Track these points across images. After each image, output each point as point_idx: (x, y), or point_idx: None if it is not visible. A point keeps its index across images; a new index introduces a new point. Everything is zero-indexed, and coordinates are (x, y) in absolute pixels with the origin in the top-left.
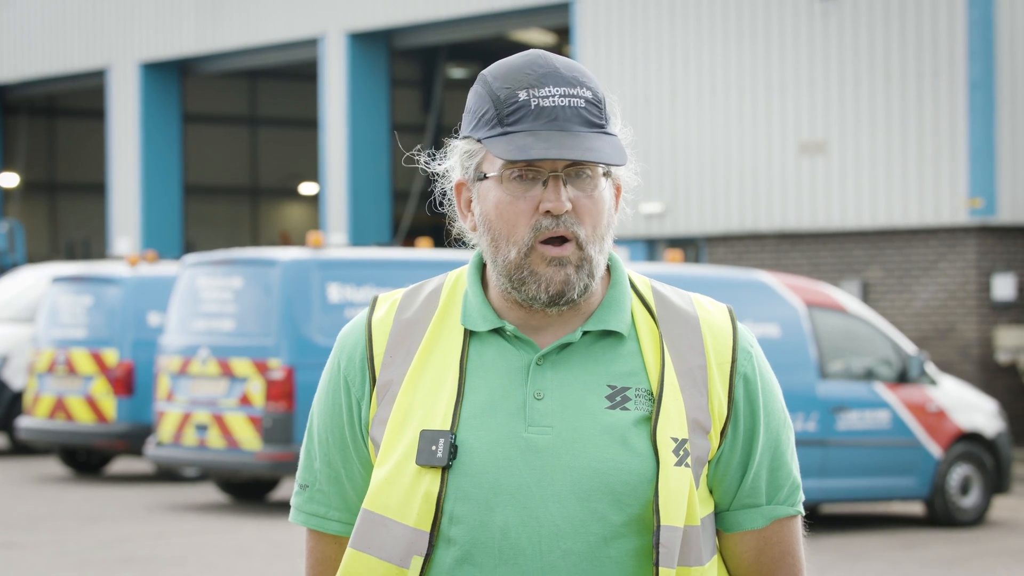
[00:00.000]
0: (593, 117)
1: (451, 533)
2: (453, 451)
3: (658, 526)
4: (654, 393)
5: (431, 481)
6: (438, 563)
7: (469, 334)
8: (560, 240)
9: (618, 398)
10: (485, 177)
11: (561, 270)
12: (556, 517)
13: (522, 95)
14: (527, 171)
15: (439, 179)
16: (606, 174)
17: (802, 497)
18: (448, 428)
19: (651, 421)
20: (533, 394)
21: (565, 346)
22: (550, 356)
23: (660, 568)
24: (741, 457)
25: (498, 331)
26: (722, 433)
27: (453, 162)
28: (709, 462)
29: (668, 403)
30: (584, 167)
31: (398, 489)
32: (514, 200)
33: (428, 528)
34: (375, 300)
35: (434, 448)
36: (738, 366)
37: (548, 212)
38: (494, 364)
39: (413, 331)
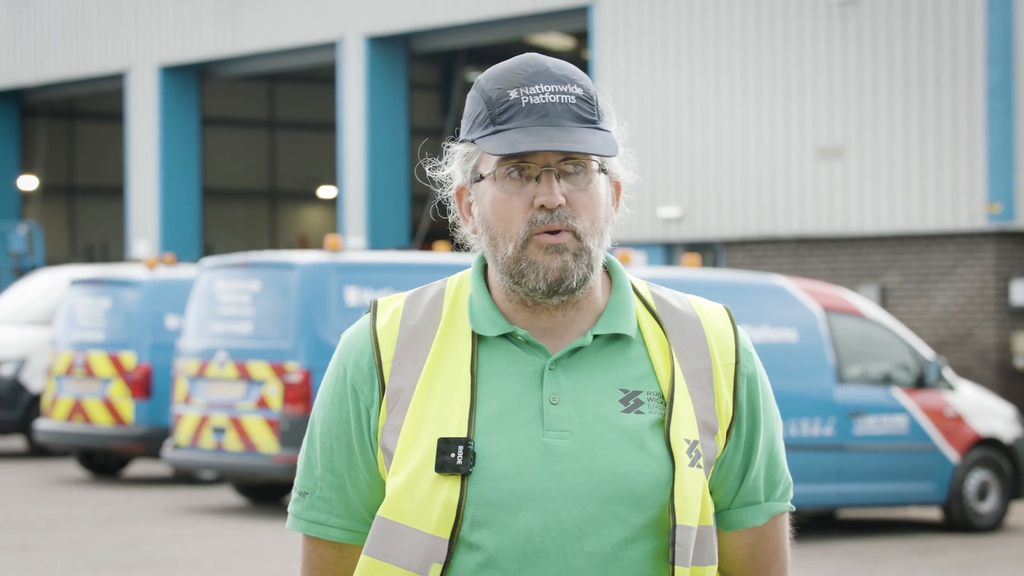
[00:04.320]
0: (584, 113)
1: (472, 539)
2: (472, 458)
3: (674, 525)
4: (665, 396)
5: (450, 488)
6: (458, 569)
7: (477, 339)
8: (556, 231)
9: (631, 402)
10: (482, 178)
11: (558, 257)
12: (578, 520)
13: (513, 94)
14: (520, 167)
15: (442, 187)
16: (603, 170)
17: (791, 494)
18: (465, 435)
19: (664, 424)
20: (549, 399)
21: (576, 350)
22: (562, 360)
23: (676, 567)
24: (743, 457)
25: (507, 336)
26: (727, 433)
27: (453, 168)
28: (714, 463)
29: (679, 405)
30: (577, 161)
31: (416, 497)
32: (509, 197)
33: (447, 535)
34: (375, 305)
35: (453, 456)
36: (742, 367)
37: (542, 207)
38: (506, 370)
39: (420, 338)
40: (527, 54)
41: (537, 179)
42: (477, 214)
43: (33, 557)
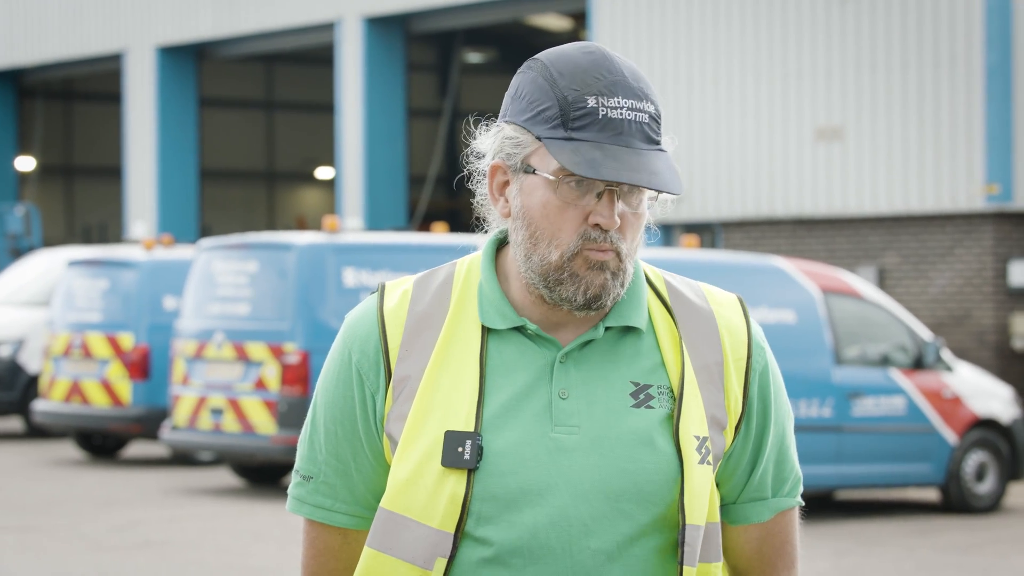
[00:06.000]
0: (653, 133)
1: (478, 534)
2: (480, 453)
3: (683, 525)
4: (675, 391)
5: (456, 483)
6: (463, 564)
7: (487, 330)
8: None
9: (641, 396)
10: (533, 172)
11: (601, 274)
12: (585, 517)
13: (591, 102)
14: (582, 179)
15: (472, 155)
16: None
17: (801, 488)
18: (472, 429)
19: (673, 420)
20: (558, 393)
21: (587, 343)
22: (572, 353)
23: (684, 567)
24: (751, 452)
25: (518, 328)
26: (736, 429)
27: (491, 144)
28: (722, 457)
29: (689, 401)
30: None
31: (421, 490)
32: (564, 206)
33: (452, 530)
34: (383, 288)
35: (460, 450)
36: (753, 362)
37: (598, 225)
38: (516, 362)
39: (428, 325)
40: (596, 50)
41: (599, 195)
42: (518, 205)
43: (31, 538)
